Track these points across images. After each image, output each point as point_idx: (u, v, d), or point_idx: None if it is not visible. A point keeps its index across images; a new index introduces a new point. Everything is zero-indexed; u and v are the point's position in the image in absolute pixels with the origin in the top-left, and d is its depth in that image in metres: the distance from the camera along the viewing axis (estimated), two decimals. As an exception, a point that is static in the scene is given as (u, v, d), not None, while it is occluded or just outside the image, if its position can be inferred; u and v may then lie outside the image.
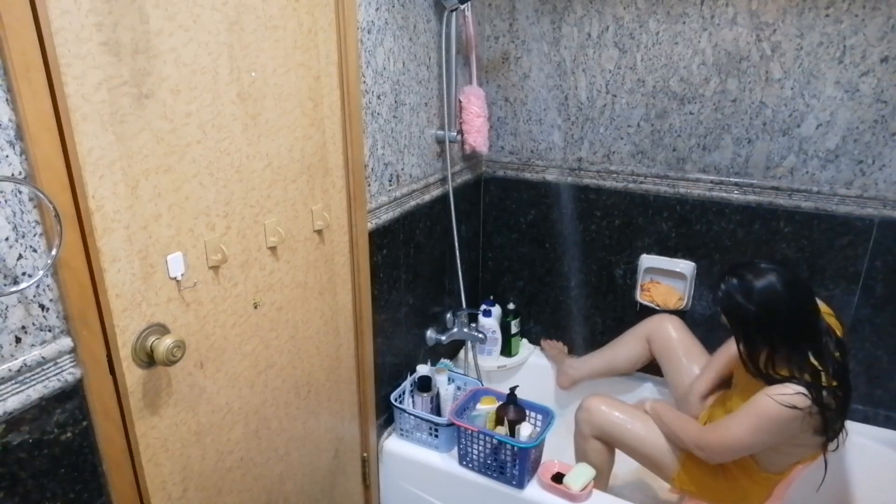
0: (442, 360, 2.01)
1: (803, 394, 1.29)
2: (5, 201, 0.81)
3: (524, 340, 2.33)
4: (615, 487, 1.93)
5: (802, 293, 1.36)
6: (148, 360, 1.04)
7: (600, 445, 1.69)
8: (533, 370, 2.25)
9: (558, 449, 1.74)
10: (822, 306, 1.45)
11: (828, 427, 1.33)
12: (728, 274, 1.39)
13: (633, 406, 1.72)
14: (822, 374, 1.33)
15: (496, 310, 2.24)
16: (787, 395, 1.30)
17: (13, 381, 0.85)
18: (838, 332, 1.44)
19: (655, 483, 1.99)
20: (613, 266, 2.09)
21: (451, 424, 1.67)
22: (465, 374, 1.95)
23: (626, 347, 1.98)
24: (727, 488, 1.54)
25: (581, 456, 1.73)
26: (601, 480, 1.70)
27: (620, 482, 1.97)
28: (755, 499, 1.53)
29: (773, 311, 1.33)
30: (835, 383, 1.33)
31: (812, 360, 1.34)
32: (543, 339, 2.26)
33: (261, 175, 1.22)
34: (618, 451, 1.73)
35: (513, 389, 1.65)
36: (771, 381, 1.36)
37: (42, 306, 0.87)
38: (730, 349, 1.68)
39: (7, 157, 0.80)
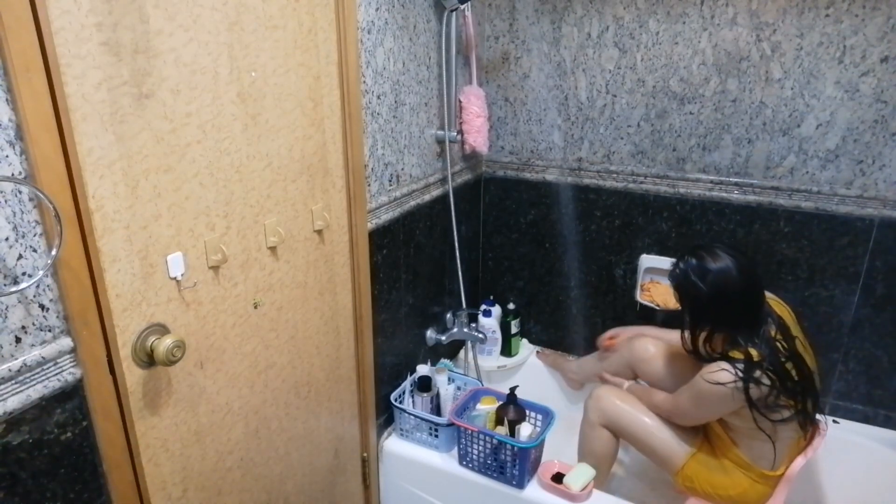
0: (442, 360, 2.01)
1: (726, 370, 1.40)
2: (5, 201, 0.81)
3: (524, 340, 2.33)
4: (616, 486, 1.93)
5: (753, 282, 1.44)
6: (148, 360, 1.04)
7: (607, 434, 1.69)
8: (533, 370, 2.25)
9: (558, 449, 1.74)
10: (770, 295, 1.53)
11: (753, 400, 1.39)
12: (688, 254, 1.47)
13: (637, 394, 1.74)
14: (755, 353, 1.40)
15: (496, 310, 2.24)
16: (713, 373, 1.41)
17: (13, 381, 0.85)
18: (788, 319, 1.51)
19: (656, 482, 1.99)
20: (613, 266, 2.09)
21: (451, 424, 1.67)
22: (465, 374, 1.95)
23: (618, 357, 1.96)
24: (728, 486, 1.54)
25: (586, 444, 1.73)
26: (603, 471, 1.71)
27: (619, 481, 1.97)
28: (755, 497, 1.53)
29: (724, 294, 1.42)
30: (759, 358, 1.40)
31: (745, 341, 1.42)
32: (537, 352, 2.27)
33: (261, 175, 1.22)
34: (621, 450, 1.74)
35: (513, 389, 1.65)
36: (701, 358, 1.48)
37: (42, 306, 0.87)
38: None
39: (7, 157, 0.80)
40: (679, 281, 1.47)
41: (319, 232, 1.42)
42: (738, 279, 1.41)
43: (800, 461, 1.51)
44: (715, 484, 1.56)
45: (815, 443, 1.55)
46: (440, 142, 1.84)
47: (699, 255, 1.44)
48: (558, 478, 1.58)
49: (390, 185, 1.63)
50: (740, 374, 1.38)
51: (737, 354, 1.41)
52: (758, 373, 1.38)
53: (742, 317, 1.43)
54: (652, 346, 1.79)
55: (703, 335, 1.47)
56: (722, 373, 1.40)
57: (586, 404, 1.74)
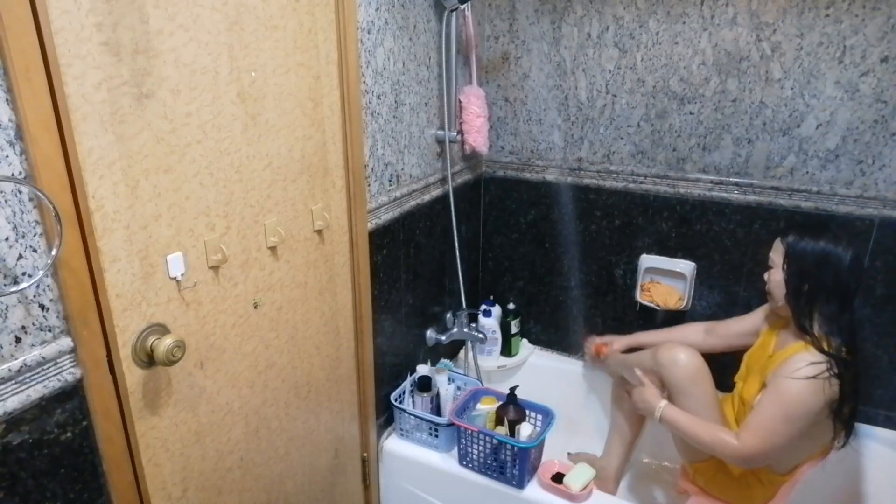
0: (442, 360, 2.01)
1: (814, 363, 1.34)
2: (5, 201, 0.81)
3: (524, 340, 2.33)
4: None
5: (859, 274, 1.43)
6: (148, 360, 1.04)
7: (653, 380, 1.65)
8: (533, 370, 2.25)
9: (558, 449, 1.74)
10: None
11: (843, 398, 1.35)
12: (817, 226, 1.47)
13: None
14: (843, 346, 1.38)
15: (496, 310, 2.24)
16: (802, 369, 1.34)
17: (13, 381, 0.85)
18: None
19: (657, 483, 1.99)
20: (613, 266, 2.09)
21: (451, 424, 1.67)
22: (465, 374, 1.95)
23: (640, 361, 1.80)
24: (735, 487, 1.54)
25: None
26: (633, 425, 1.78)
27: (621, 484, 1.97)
28: (760, 498, 1.53)
29: (835, 273, 1.39)
30: (847, 354, 1.37)
31: (840, 332, 1.39)
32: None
33: (261, 175, 1.22)
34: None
35: (513, 389, 1.65)
36: (805, 329, 1.41)
37: (42, 306, 0.87)
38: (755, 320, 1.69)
39: (7, 157, 0.80)
40: (794, 243, 1.43)
41: (319, 232, 1.42)
42: (845, 261, 1.38)
43: (808, 466, 1.49)
44: (720, 483, 1.56)
45: (833, 453, 1.51)
46: (440, 142, 1.84)
47: (825, 231, 1.43)
48: (558, 478, 1.58)
49: (390, 185, 1.63)
50: (833, 365, 1.33)
51: (828, 343, 1.37)
52: (841, 369, 1.35)
53: (847, 301, 1.40)
54: (682, 353, 1.61)
55: (811, 305, 1.41)
56: (810, 366, 1.34)
57: (660, 347, 1.64)
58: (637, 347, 1.89)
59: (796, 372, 1.34)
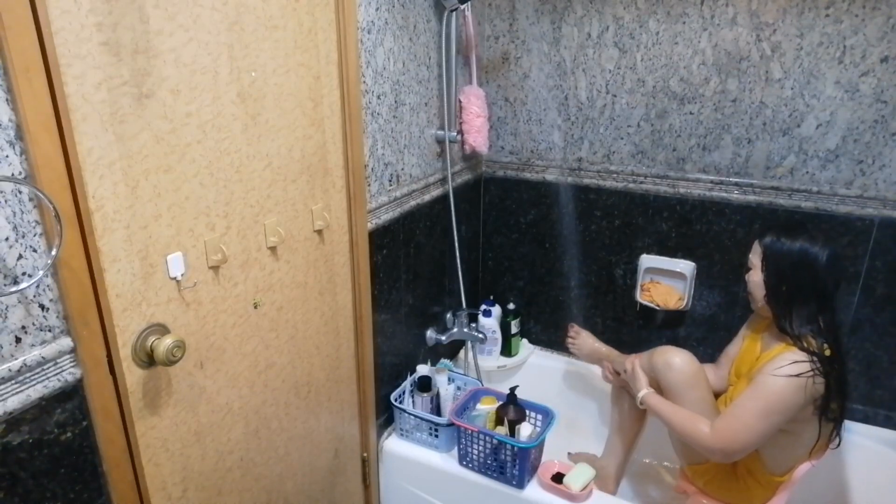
0: (442, 360, 2.00)
1: (798, 361, 1.34)
2: (5, 201, 0.81)
3: (524, 340, 2.33)
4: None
5: (837, 273, 1.42)
6: (148, 360, 1.04)
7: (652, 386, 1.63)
8: (533, 370, 2.25)
9: (558, 449, 1.74)
10: None
11: (828, 397, 1.35)
12: (794, 226, 1.46)
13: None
14: (825, 344, 1.38)
15: (496, 310, 2.24)
16: (785, 367, 1.34)
17: (13, 381, 0.85)
18: None
19: (657, 483, 1.99)
20: (613, 266, 2.09)
21: (451, 424, 1.67)
22: (465, 374, 1.95)
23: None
24: (734, 488, 1.54)
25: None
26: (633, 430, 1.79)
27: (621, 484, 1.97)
28: (759, 499, 1.53)
29: (812, 272, 1.39)
30: (831, 351, 1.38)
31: (822, 328, 1.39)
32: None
33: (261, 175, 1.22)
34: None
35: (513, 389, 1.65)
36: (784, 330, 1.41)
37: (42, 306, 0.87)
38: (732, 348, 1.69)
39: (7, 157, 0.80)
40: (771, 244, 1.44)
41: (319, 232, 1.42)
42: (822, 260, 1.38)
43: (805, 466, 1.49)
44: (719, 484, 1.56)
45: (828, 451, 1.51)
46: (440, 142, 1.84)
47: (801, 232, 1.43)
48: (558, 478, 1.58)
49: (390, 185, 1.63)
50: (816, 363, 1.33)
51: (809, 342, 1.37)
52: (826, 367, 1.35)
53: (824, 300, 1.40)
54: (677, 356, 1.58)
55: (789, 306, 1.41)
56: (794, 365, 1.34)
57: (656, 350, 1.63)
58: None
59: (779, 370, 1.35)
